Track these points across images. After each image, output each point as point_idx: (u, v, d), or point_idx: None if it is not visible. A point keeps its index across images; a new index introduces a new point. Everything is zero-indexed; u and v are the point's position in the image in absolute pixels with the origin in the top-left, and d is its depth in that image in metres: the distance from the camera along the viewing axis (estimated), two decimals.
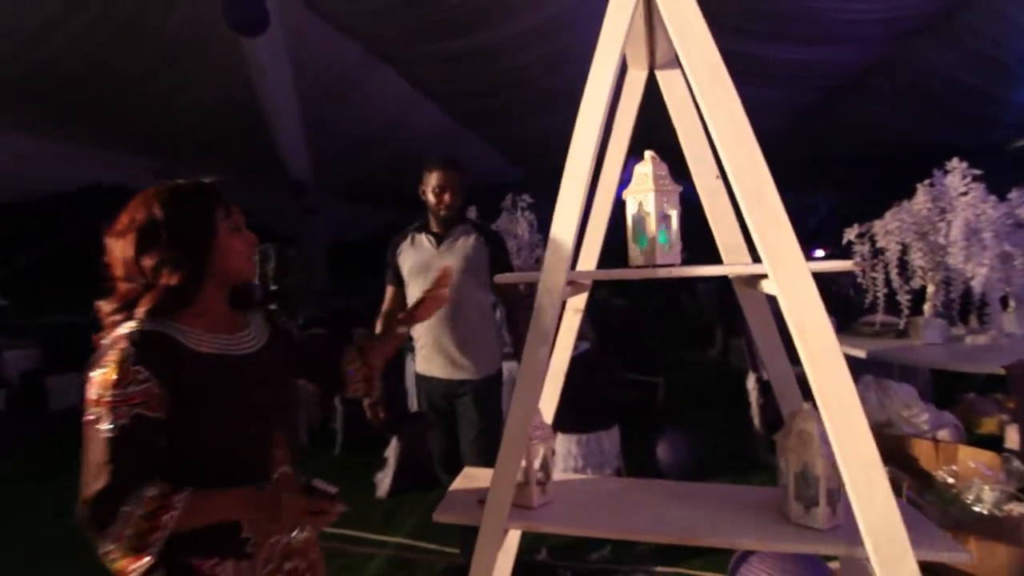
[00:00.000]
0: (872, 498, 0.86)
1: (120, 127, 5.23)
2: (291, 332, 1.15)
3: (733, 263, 1.19)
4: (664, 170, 1.02)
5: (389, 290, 2.16)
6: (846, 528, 0.98)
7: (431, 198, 2.03)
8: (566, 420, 2.77)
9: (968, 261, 2.72)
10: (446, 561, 2.39)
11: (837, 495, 1.01)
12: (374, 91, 5.63)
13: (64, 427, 4.83)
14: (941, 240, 2.84)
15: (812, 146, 8.29)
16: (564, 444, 2.78)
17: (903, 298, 2.93)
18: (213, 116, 5.28)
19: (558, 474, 1.27)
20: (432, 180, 2.01)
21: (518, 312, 2.25)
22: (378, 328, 2.12)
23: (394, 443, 3.15)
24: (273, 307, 1.16)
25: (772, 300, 1.07)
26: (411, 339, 2.13)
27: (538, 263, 3.70)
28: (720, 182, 1.17)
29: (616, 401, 3.03)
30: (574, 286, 1.15)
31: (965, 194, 2.79)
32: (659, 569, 2.26)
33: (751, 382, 3.70)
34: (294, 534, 0.88)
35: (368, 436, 3.30)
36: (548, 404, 1.39)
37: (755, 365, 3.67)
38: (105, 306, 0.92)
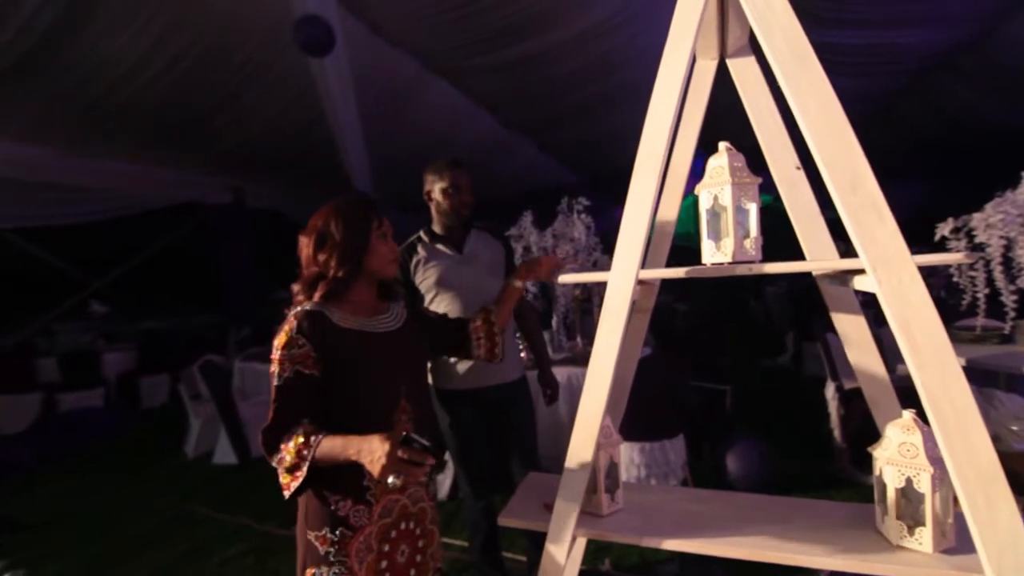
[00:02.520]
0: (994, 517, 0.77)
1: (201, 150, 5.67)
2: (424, 314, 1.45)
3: (818, 259, 1.11)
4: (741, 161, 0.97)
5: None
6: (960, 551, 0.89)
7: (443, 200, 1.90)
8: (628, 427, 2.70)
9: None
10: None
11: (948, 514, 0.91)
12: (430, 104, 5.78)
13: (154, 423, 5.25)
14: None
15: (891, 137, 7.65)
16: (627, 452, 2.70)
17: (1008, 299, 2.64)
18: (284, 136, 5.63)
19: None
20: (442, 181, 1.90)
21: (529, 317, 2.20)
22: None
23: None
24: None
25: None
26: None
27: (595, 266, 3.62)
28: (801, 172, 1.09)
29: (681, 409, 2.91)
30: (643, 285, 1.11)
31: None
32: None
33: (830, 391, 3.46)
34: (390, 480, 0.96)
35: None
36: (615, 409, 1.35)
37: (835, 373, 3.42)
38: (295, 287, 1.23)
